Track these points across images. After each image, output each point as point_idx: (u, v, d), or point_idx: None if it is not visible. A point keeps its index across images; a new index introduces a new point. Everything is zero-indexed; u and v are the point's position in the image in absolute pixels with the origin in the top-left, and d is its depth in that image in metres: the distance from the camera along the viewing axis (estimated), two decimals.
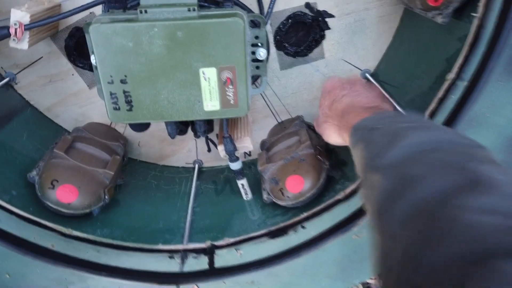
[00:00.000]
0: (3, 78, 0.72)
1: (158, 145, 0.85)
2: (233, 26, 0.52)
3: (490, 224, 0.28)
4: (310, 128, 0.76)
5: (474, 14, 0.48)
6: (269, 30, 0.74)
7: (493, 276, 0.24)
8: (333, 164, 0.68)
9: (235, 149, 0.69)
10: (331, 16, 0.74)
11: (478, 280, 0.25)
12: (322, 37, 0.76)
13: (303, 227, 0.59)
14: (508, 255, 0.25)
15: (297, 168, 0.65)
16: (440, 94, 0.52)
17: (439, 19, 0.55)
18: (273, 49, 0.76)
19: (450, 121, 0.50)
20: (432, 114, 0.53)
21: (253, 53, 0.61)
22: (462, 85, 0.50)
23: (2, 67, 0.72)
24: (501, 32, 0.46)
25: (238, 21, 0.52)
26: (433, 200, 0.32)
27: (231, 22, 0.51)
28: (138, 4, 0.58)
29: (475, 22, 0.48)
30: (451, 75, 0.51)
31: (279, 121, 0.84)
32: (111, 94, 0.55)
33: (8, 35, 0.57)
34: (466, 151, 0.37)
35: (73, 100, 0.77)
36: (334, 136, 0.61)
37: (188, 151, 0.86)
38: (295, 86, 0.81)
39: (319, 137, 0.73)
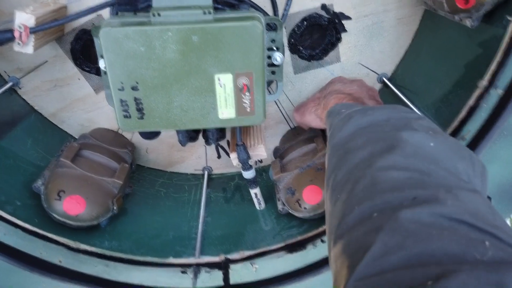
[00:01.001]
0: (7, 83, 0.69)
1: (166, 151, 0.82)
2: (251, 30, 0.49)
3: (390, 178, 0.34)
4: (324, 134, 0.73)
5: (510, 18, 0.45)
6: (284, 33, 0.71)
7: (392, 224, 0.29)
8: None
9: (248, 157, 0.66)
10: (348, 18, 0.71)
11: (381, 229, 0.29)
12: (338, 39, 0.73)
13: (322, 241, 0.56)
14: (403, 206, 0.30)
15: (314, 178, 0.62)
16: (471, 102, 0.49)
17: (468, 22, 0.52)
18: (287, 52, 0.73)
19: (483, 132, 0.47)
20: (462, 123, 0.50)
21: (269, 57, 0.58)
22: (495, 94, 0.47)
23: (5, 71, 0.69)
24: None
25: (256, 24, 0.49)
26: (359, 165, 0.38)
27: (249, 26, 0.48)
28: (149, 6, 0.55)
29: (511, 27, 0.45)
30: (483, 83, 0.48)
31: (292, 127, 0.81)
32: (121, 101, 0.52)
33: (13, 38, 0.54)
34: (399, 123, 0.42)
35: (79, 105, 0.75)
36: (313, 114, 0.64)
37: (197, 157, 0.83)
38: (310, 91, 0.78)
39: None
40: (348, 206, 0.35)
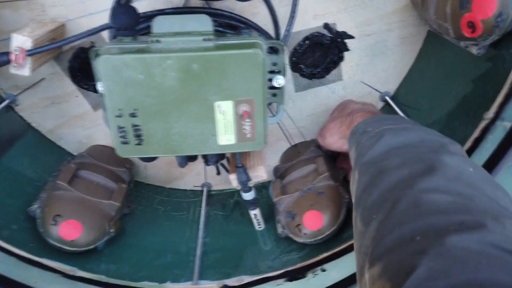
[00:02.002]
0: (3, 100, 0.68)
1: (165, 168, 0.81)
2: (252, 57, 0.48)
3: (434, 201, 0.33)
4: (327, 154, 0.72)
5: None
6: (285, 51, 0.70)
7: (438, 249, 0.28)
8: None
9: (248, 179, 0.65)
10: (351, 37, 0.70)
11: (426, 253, 0.28)
12: (341, 58, 0.72)
13: (323, 270, 0.55)
14: (448, 231, 0.29)
15: (315, 203, 0.61)
16: (476, 134, 0.48)
17: (474, 50, 0.51)
18: (288, 70, 0.72)
19: (491, 164, 0.46)
20: (468, 154, 0.48)
21: (270, 80, 0.57)
22: (501, 125, 0.46)
23: (1, 88, 0.68)
24: None
25: (258, 52, 0.48)
26: (397, 185, 0.37)
27: (250, 53, 0.47)
28: (148, 27, 0.54)
29: None
30: (489, 114, 0.47)
31: (293, 144, 0.80)
32: (119, 128, 0.51)
33: (8, 61, 0.53)
34: (434, 146, 0.42)
35: (78, 122, 0.74)
36: (335, 134, 0.63)
37: (196, 173, 0.82)
38: (311, 109, 0.77)
39: (336, 167, 0.69)
40: (386, 226, 0.34)
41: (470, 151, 0.49)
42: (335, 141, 0.63)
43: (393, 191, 0.37)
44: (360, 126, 0.53)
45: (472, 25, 0.48)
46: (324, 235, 0.60)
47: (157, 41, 0.48)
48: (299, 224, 0.61)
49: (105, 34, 0.65)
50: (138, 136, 0.51)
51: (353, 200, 0.44)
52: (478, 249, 0.27)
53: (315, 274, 0.55)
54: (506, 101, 0.45)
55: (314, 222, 0.60)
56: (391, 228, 0.33)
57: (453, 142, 0.43)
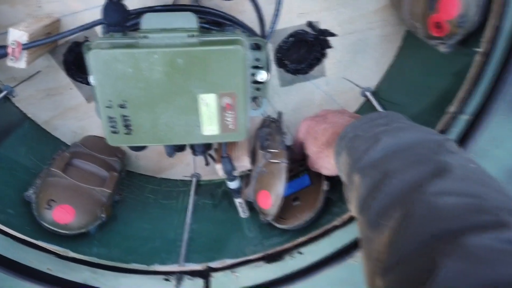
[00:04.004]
0: (1, 91, 0.71)
1: (156, 158, 0.85)
2: (233, 53, 0.51)
3: (448, 204, 0.33)
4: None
5: (477, 50, 0.48)
6: (270, 47, 0.74)
7: (458, 250, 0.28)
8: (331, 186, 0.68)
9: (233, 168, 0.69)
10: (334, 35, 0.73)
11: (447, 255, 0.28)
12: (324, 55, 0.76)
13: (299, 252, 0.59)
14: (467, 231, 0.30)
15: (261, 183, 0.65)
16: (440, 126, 0.51)
17: (442, 49, 0.54)
18: (273, 66, 0.76)
19: None
20: None
21: (253, 75, 0.60)
22: (463, 119, 0.50)
23: (0, 80, 0.72)
24: (506, 68, 0.46)
25: (239, 48, 0.51)
26: (405, 189, 0.37)
27: (231, 50, 0.51)
28: (139, 24, 0.57)
29: (478, 57, 0.48)
30: (452, 108, 0.51)
31: None
32: (109, 118, 0.54)
33: (6, 55, 0.57)
34: (433, 145, 0.42)
35: (72, 113, 0.77)
36: (331, 167, 0.59)
37: (186, 164, 0.86)
38: (295, 103, 0.80)
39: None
40: (402, 234, 0.34)
41: None
42: (332, 169, 0.58)
43: (403, 196, 0.37)
44: (348, 131, 0.51)
45: (438, 25, 0.51)
46: (302, 221, 0.64)
47: (145, 37, 0.51)
48: (260, 208, 0.65)
49: (99, 29, 0.68)
50: (127, 126, 0.55)
51: (355, 205, 0.44)
52: (500, 247, 0.28)
53: (292, 257, 0.59)
54: (467, 96, 0.49)
55: (265, 200, 0.63)
56: (407, 235, 0.33)
57: (447, 138, 0.44)
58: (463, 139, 0.50)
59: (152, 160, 0.85)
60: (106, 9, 0.54)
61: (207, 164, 0.85)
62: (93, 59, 0.50)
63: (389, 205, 0.37)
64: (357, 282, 0.60)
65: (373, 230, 0.38)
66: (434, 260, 0.28)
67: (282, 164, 0.63)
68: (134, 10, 0.61)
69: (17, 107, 0.74)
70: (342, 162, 0.50)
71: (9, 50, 0.56)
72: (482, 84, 0.48)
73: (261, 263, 0.60)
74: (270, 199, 0.63)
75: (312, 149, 0.61)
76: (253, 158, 0.72)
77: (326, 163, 0.59)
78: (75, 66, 0.72)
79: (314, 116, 0.66)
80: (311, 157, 0.63)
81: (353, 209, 0.46)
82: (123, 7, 0.56)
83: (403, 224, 0.34)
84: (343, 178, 0.50)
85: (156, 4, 0.64)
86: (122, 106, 0.53)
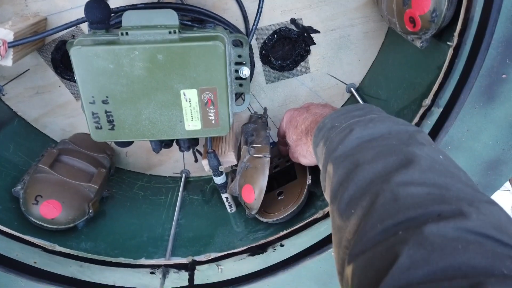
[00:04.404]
0: None
1: (145, 155, 0.86)
2: (213, 49, 0.52)
3: (411, 194, 0.34)
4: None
5: (449, 43, 0.49)
6: (255, 45, 0.75)
7: (416, 238, 0.29)
8: (315, 180, 0.69)
9: (219, 164, 0.70)
10: (316, 31, 0.75)
11: (406, 243, 0.29)
12: (308, 52, 0.77)
13: (281, 245, 0.60)
14: (428, 220, 0.30)
15: (245, 177, 0.66)
16: (416, 119, 0.52)
17: (418, 43, 0.56)
18: (258, 63, 0.77)
19: None
20: None
21: (236, 71, 0.62)
22: (437, 112, 0.51)
23: None
24: (474, 62, 0.47)
25: (218, 44, 0.52)
26: (374, 179, 0.38)
27: (211, 45, 0.52)
28: (121, 22, 0.58)
29: (450, 51, 0.49)
30: (427, 101, 0.52)
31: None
32: (92, 113, 0.55)
33: None
34: (404, 137, 0.43)
35: (61, 111, 0.78)
36: (308, 155, 0.61)
37: (175, 161, 0.87)
38: (282, 99, 0.81)
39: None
40: (367, 222, 0.35)
41: None
42: (309, 158, 0.61)
43: (371, 185, 0.38)
44: (326, 122, 0.53)
45: (413, 20, 0.53)
46: (285, 214, 0.65)
47: (126, 34, 0.52)
48: (244, 202, 0.66)
49: (85, 27, 0.70)
50: (110, 121, 0.56)
51: (329, 194, 0.45)
52: (455, 236, 0.29)
53: (274, 249, 0.60)
54: (440, 89, 0.50)
55: (249, 195, 0.64)
56: (372, 223, 0.34)
57: (419, 130, 0.45)
58: (436, 131, 0.51)
59: (141, 157, 0.86)
60: (88, 6, 0.55)
61: (196, 160, 0.86)
62: (74, 56, 0.51)
63: (358, 195, 0.38)
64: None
65: (343, 218, 0.39)
66: (395, 249, 0.30)
67: (265, 159, 0.64)
68: (116, 8, 0.62)
69: (6, 105, 0.75)
70: (319, 152, 0.52)
71: None
72: (454, 77, 0.49)
73: (245, 255, 0.61)
74: (253, 193, 0.64)
75: (291, 137, 0.63)
76: (239, 154, 0.73)
77: (304, 150, 0.60)
78: (63, 64, 0.73)
79: (298, 107, 0.67)
80: (291, 146, 0.64)
81: (327, 198, 0.47)
82: (104, 4, 0.57)
83: (369, 213, 0.35)
84: (321, 168, 0.52)
85: (138, 2, 0.65)
86: (104, 102, 0.54)
